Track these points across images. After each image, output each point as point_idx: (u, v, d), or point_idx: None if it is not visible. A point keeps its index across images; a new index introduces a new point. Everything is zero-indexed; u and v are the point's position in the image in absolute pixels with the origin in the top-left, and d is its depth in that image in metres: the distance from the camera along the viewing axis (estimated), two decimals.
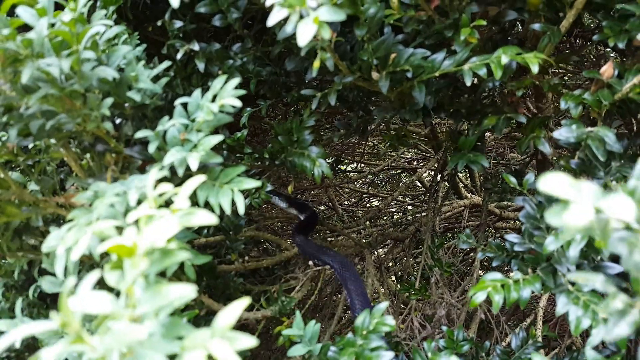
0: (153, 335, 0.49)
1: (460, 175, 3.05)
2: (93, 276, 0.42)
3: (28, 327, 0.40)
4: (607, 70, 0.85)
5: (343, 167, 3.08)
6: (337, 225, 2.16)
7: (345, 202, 3.12)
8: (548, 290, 0.88)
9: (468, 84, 0.85)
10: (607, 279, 0.55)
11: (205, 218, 0.56)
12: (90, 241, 0.64)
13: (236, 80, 0.72)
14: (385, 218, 2.88)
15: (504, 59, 0.82)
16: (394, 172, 3.32)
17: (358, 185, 3.23)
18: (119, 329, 0.42)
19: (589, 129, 0.84)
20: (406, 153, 3.27)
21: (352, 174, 3.06)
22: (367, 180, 3.23)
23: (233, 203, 0.76)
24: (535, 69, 0.80)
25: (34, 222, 0.82)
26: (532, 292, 0.92)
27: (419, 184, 3.20)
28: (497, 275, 0.90)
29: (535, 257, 0.95)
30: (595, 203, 0.49)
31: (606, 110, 1.02)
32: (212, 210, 0.76)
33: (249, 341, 0.49)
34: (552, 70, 2.02)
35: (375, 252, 2.44)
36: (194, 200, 0.77)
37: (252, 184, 0.76)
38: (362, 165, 3.21)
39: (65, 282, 0.65)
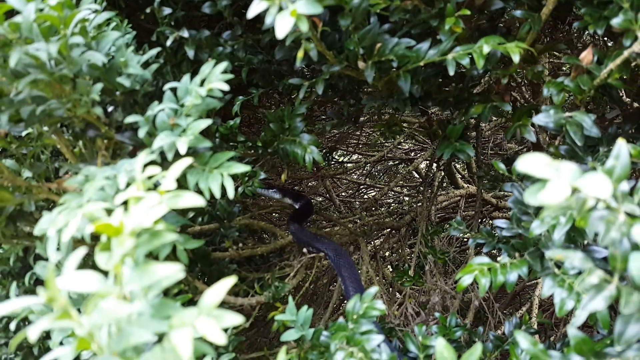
0: (142, 315, 0.51)
1: (458, 166, 3.07)
2: (78, 253, 0.43)
3: (16, 301, 0.41)
4: (586, 56, 0.87)
5: (340, 159, 3.09)
6: (334, 215, 2.17)
7: (343, 194, 3.13)
8: (535, 274, 0.90)
9: (451, 73, 0.86)
10: (587, 257, 0.56)
11: (193, 200, 0.57)
12: (81, 223, 0.65)
13: (224, 65, 0.73)
14: (382, 209, 2.89)
15: (486, 49, 0.83)
16: (391, 163, 3.33)
17: (355, 177, 3.24)
18: (107, 306, 0.43)
19: (568, 114, 0.85)
20: (403, 144, 3.28)
21: (349, 164, 3.07)
22: (365, 171, 3.24)
23: (223, 189, 0.77)
24: (516, 58, 0.81)
25: (27, 207, 0.83)
26: (521, 278, 0.94)
27: (416, 175, 3.22)
28: (485, 259, 0.92)
29: (523, 242, 0.96)
30: (572, 182, 0.51)
31: (594, 97, 1.03)
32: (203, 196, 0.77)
33: (235, 319, 0.50)
34: (550, 59, 2.02)
35: (372, 242, 2.45)
36: (184, 186, 0.78)
37: (241, 168, 0.77)
38: (360, 156, 3.22)
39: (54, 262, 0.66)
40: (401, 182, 3.19)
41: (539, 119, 0.91)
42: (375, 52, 0.90)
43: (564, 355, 0.65)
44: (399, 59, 0.90)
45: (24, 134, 0.98)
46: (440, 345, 0.69)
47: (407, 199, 3.10)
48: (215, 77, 0.74)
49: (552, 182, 0.49)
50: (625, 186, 0.54)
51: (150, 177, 0.60)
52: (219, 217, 1.27)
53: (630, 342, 0.52)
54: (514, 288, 2.56)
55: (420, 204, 2.07)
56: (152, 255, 0.84)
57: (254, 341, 1.79)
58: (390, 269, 2.42)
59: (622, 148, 0.53)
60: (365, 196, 3.20)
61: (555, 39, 1.49)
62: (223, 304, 1.21)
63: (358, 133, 2.77)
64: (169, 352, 0.49)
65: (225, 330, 1.14)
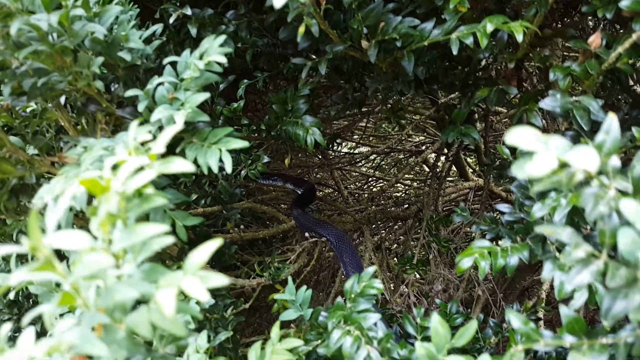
0: (132, 277, 0.51)
1: (470, 160, 3.05)
2: (60, 206, 0.44)
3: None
4: (595, 40, 0.85)
5: (351, 150, 3.09)
6: (339, 204, 2.17)
7: (352, 186, 3.13)
8: (535, 258, 0.89)
9: (455, 52, 0.86)
10: (575, 232, 0.55)
11: (183, 165, 0.57)
12: (78, 192, 0.66)
13: (222, 38, 0.73)
14: (390, 201, 2.88)
15: (489, 27, 0.82)
16: (401, 156, 3.32)
17: (365, 170, 3.23)
18: (90, 259, 0.44)
19: (575, 98, 0.84)
20: (414, 137, 3.26)
21: (356, 153, 3.06)
22: (374, 164, 3.24)
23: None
24: (519, 37, 0.80)
25: (28, 180, 0.84)
26: (530, 271, 0.93)
27: (426, 168, 3.20)
28: (485, 242, 0.91)
29: (525, 226, 0.95)
30: (560, 155, 0.50)
31: (603, 84, 1.02)
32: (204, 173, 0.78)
33: (221, 280, 0.50)
34: (565, 52, 1.99)
35: (379, 235, 2.45)
36: None
37: (239, 143, 0.78)
38: (369, 148, 3.21)
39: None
40: (411, 175, 3.17)
41: (546, 103, 0.90)
42: (379, 31, 0.90)
43: (555, 335, 0.65)
44: (403, 38, 0.89)
45: (28, 110, 0.99)
46: (435, 321, 0.69)
47: (413, 191, 3.09)
48: (213, 50, 0.74)
49: (539, 154, 0.49)
50: (615, 161, 0.53)
51: (142, 144, 0.60)
52: (221, 200, 1.28)
53: (617, 318, 0.51)
54: (522, 283, 2.50)
55: (427, 194, 2.06)
56: None
57: (257, 326, 1.80)
58: (396, 262, 2.42)
59: (612, 122, 0.53)
60: (374, 189, 3.19)
61: (566, 26, 1.47)
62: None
63: (364, 124, 2.76)
64: (155, 312, 0.50)
65: (225, 308, 1.15)
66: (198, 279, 0.49)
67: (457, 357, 0.56)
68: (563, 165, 0.51)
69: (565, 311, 0.64)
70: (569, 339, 0.64)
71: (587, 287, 0.73)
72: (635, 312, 0.48)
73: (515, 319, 0.65)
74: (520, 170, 0.50)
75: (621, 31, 1.42)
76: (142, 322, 0.49)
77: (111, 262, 0.42)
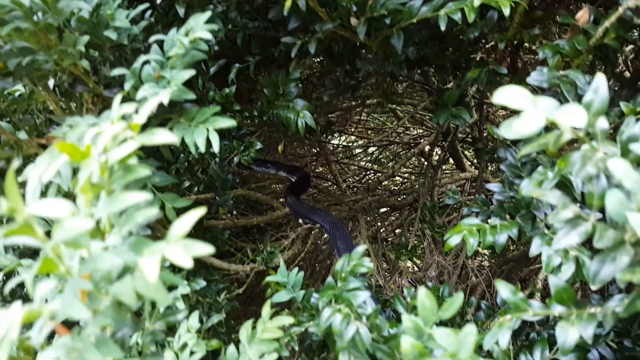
0: (117, 247, 0.51)
1: (468, 153, 3.05)
2: (36, 172, 0.43)
3: None
4: (583, 15, 0.85)
5: (348, 144, 3.08)
6: (334, 192, 2.17)
7: (350, 179, 3.13)
8: (525, 236, 0.89)
9: (443, 28, 0.85)
10: (563, 195, 0.55)
11: (166, 137, 0.57)
12: (61, 166, 0.66)
13: (207, 14, 0.73)
14: (387, 192, 2.88)
15: (477, 2, 0.82)
16: (400, 150, 3.32)
17: (363, 163, 3.23)
18: (70, 223, 0.44)
19: (562, 72, 0.84)
20: (412, 130, 3.25)
21: (351, 144, 3.06)
22: (372, 157, 3.24)
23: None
24: (507, 11, 0.80)
25: (15, 161, 0.84)
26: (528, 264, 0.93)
27: (423, 161, 3.20)
28: (475, 220, 0.91)
29: (515, 205, 0.95)
30: (549, 114, 0.50)
31: (592, 64, 1.01)
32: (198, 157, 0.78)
33: (205, 248, 0.50)
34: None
35: (375, 225, 2.45)
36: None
37: (227, 122, 0.77)
38: (366, 140, 3.21)
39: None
40: (409, 169, 3.17)
41: (533, 78, 0.90)
42: (368, 8, 0.89)
43: (545, 305, 0.65)
44: (392, 15, 0.89)
45: (17, 94, 0.99)
46: (422, 294, 0.69)
47: (410, 182, 3.09)
48: (199, 27, 0.73)
49: (527, 112, 0.49)
50: (604, 123, 0.52)
51: (124, 117, 0.60)
52: (214, 186, 1.28)
53: (604, 281, 0.51)
54: (519, 274, 2.49)
55: (423, 182, 2.05)
56: None
57: (254, 314, 1.80)
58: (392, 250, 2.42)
59: (600, 82, 0.52)
60: (372, 181, 3.19)
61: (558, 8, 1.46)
62: (217, 271, 1.22)
63: (359, 117, 2.75)
64: (139, 279, 0.49)
65: (218, 293, 1.15)
66: (182, 247, 0.48)
67: (443, 328, 0.56)
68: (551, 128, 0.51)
69: (554, 281, 0.64)
70: (557, 309, 0.63)
71: (574, 259, 0.73)
72: (623, 273, 0.48)
73: (504, 288, 0.65)
74: (508, 130, 0.50)
75: None
76: (126, 291, 0.49)
77: (91, 225, 0.42)
